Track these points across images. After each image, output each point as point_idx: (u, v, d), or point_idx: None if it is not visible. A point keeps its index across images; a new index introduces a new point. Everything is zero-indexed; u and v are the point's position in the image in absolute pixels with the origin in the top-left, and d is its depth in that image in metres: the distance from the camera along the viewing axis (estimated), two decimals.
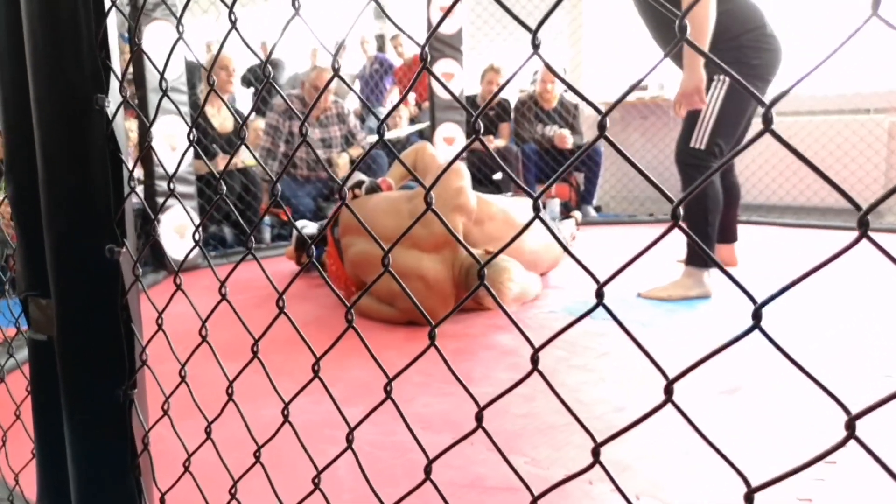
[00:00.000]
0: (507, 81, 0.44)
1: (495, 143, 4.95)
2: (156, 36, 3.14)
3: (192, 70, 3.98)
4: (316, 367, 0.57)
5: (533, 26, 0.40)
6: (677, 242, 2.64)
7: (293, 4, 0.53)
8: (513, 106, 5.06)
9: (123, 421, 0.78)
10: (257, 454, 0.68)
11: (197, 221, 3.12)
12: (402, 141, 5.19)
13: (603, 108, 0.39)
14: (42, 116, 0.75)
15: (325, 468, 0.61)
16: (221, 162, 3.93)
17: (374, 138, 4.99)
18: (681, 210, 0.37)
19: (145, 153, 3.21)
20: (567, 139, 4.70)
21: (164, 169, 0.77)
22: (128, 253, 0.76)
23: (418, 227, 2.28)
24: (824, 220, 4.33)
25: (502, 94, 5.25)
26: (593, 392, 1.69)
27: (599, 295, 0.40)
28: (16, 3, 0.75)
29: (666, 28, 2.55)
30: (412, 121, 5.58)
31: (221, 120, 4.01)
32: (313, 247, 0.55)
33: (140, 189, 3.30)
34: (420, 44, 0.45)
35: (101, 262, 0.75)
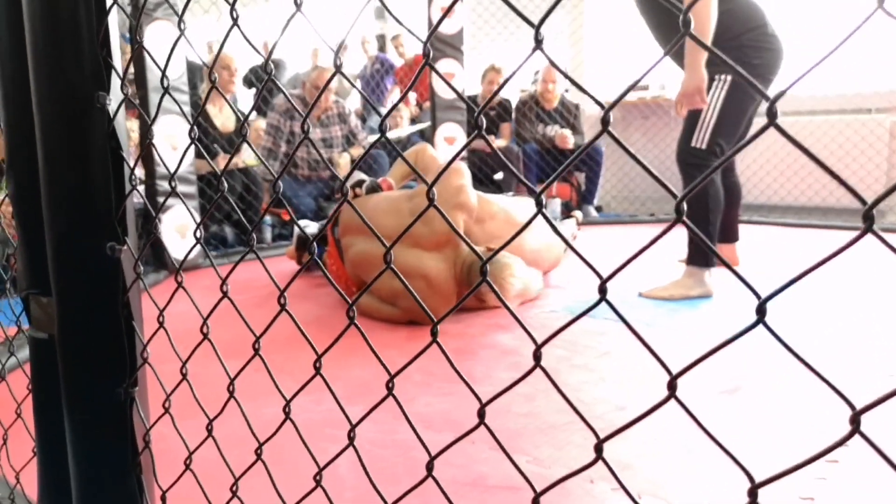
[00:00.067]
0: (511, 76, 0.44)
1: (496, 143, 4.95)
2: (157, 35, 3.15)
3: (193, 70, 3.98)
4: (317, 365, 0.57)
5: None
6: (678, 242, 2.64)
7: (295, 2, 0.53)
8: (514, 106, 5.06)
9: (124, 419, 0.78)
10: (259, 452, 0.68)
11: (198, 221, 3.09)
12: (402, 141, 5.19)
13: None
14: (43, 114, 0.75)
15: (326, 465, 0.61)
16: (222, 161, 3.93)
17: (375, 138, 4.99)
18: (684, 206, 0.37)
19: (146, 153, 3.21)
20: (568, 139, 4.70)
21: (166, 167, 0.77)
22: (129, 251, 0.76)
23: (419, 226, 2.28)
24: (825, 219, 4.33)
25: (503, 94, 5.25)
26: (594, 391, 1.69)
27: (602, 291, 0.40)
28: (17, 2, 0.75)
29: (667, 27, 2.55)
30: (413, 121, 5.58)
31: (223, 119, 4.01)
32: (315, 245, 0.54)
33: (141, 189, 3.30)
34: (422, 40, 0.45)
35: (102, 260, 0.75)
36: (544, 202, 0.42)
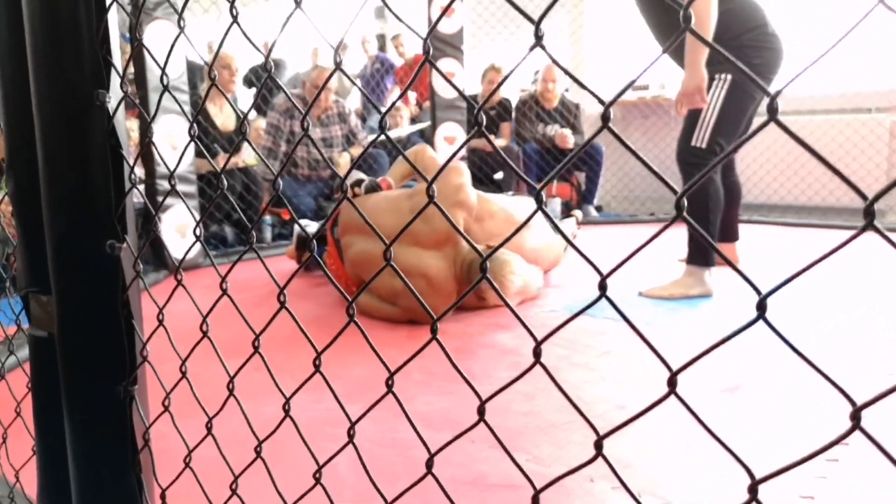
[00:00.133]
0: (511, 72, 0.43)
1: (496, 142, 4.95)
2: (157, 35, 3.14)
3: (193, 70, 3.98)
4: (317, 362, 0.57)
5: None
6: (678, 242, 2.64)
7: (295, 0, 0.52)
8: (514, 105, 5.06)
9: (124, 417, 0.78)
10: (258, 449, 0.68)
11: (199, 224, 3.09)
12: (402, 141, 5.19)
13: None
14: (43, 113, 0.75)
15: (325, 462, 0.61)
16: (223, 161, 3.93)
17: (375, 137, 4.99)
18: (684, 201, 0.37)
19: (146, 152, 3.21)
20: (568, 139, 4.70)
21: (166, 165, 0.77)
22: (128, 249, 0.76)
23: (419, 224, 2.28)
24: (825, 219, 4.33)
25: (503, 94, 5.25)
26: (594, 390, 1.69)
27: (602, 287, 0.40)
28: (16, 2, 0.75)
29: (667, 27, 2.55)
30: (413, 120, 5.58)
31: (223, 119, 4.01)
32: (314, 243, 0.54)
33: (141, 188, 3.30)
34: (422, 37, 0.45)
35: (102, 258, 0.75)
36: (544, 199, 0.42)
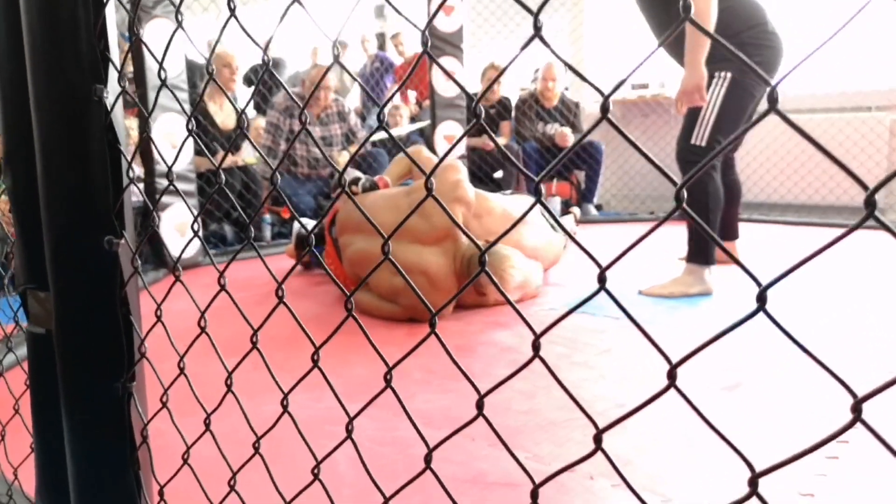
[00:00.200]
0: (511, 62, 0.43)
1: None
2: (157, 33, 3.14)
3: (192, 69, 3.97)
4: (315, 357, 0.56)
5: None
6: (678, 240, 2.64)
7: None
8: (514, 104, 5.06)
9: (122, 414, 0.78)
10: (256, 445, 0.68)
11: (198, 220, 3.09)
12: (402, 139, 5.19)
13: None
14: (41, 109, 0.75)
15: (324, 458, 0.61)
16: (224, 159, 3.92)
17: (375, 137, 4.99)
18: (684, 193, 0.36)
19: (145, 151, 3.21)
20: (568, 137, 4.69)
21: (164, 161, 0.76)
22: (126, 245, 0.76)
23: (419, 221, 2.28)
24: (825, 217, 4.32)
25: (503, 93, 5.24)
26: (594, 389, 1.69)
27: (602, 280, 0.40)
28: (14, 2, 0.75)
29: (667, 25, 2.55)
30: (413, 119, 5.57)
31: (223, 117, 4.00)
32: (313, 237, 0.54)
33: (141, 187, 3.30)
34: (420, 28, 0.45)
35: (100, 254, 0.75)
36: (543, 192, 0.41)
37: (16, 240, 0.86)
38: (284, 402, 0.62)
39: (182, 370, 0.72)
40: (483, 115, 0.42)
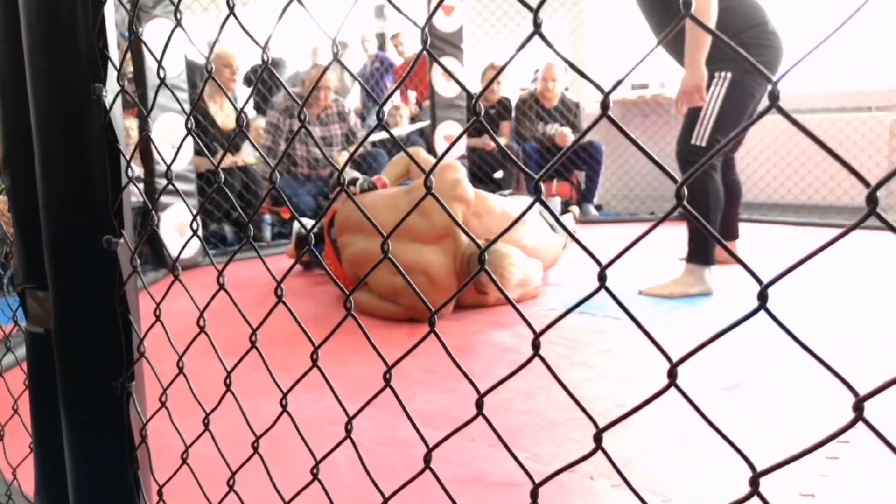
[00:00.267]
0: (511, 59, 0.43)
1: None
2: (157, 33, 3.14)
3: (192, 69, 3.97)
4: (314, 356, 0.56)
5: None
6: (678, 241, 2.63)
7: None
8: (514, 104, 5.06)
9: (121, 413, 0.77)
10: (255, 445, 0.68)
11: (198, 219, 3.08)
12: (402, 139, 5.19)
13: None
14: (39, 107, 0.75)
15: (323, 458, 0.61)
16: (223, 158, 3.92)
17: (375, 137, 4.99)
18: (684, 191, 0.36)
19: (145, 151, 3.21)
20: (568, 137, 4.69)
21: (163, 160, 0.76)
22: (125, 244, 0.76)
23: (419, 220, 2.28)
24: (825, 217, 4.32)
25: (503, 93, 5.24)
26: (594, 389, 1.69)
27: (602, 278, 0.39)
28: (13, 2, 0.74)
29: (667, 25, 2.54)
30: (413, 120, 5.57)
31: (223, 117, 4.00)
32: (312, 236, 0.54)
33: (141, 187, 3.30)
34: (419, 26, 0.45)
35: (99, 253, 0.75)
36: (542, 190, 0.41)
37: (14, 238, 0.85)
38: (283, 402, 0.62)
39: (181, 370, 0.72)
40: (483, 114, 0.42)
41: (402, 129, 5.23)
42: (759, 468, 0.37)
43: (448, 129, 4.48)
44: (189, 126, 0.64)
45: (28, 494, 1.11)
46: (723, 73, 2.41)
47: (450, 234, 2.32)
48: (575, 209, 3.72)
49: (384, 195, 2.60)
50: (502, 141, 4.99)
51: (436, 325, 0.48)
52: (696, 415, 0.39)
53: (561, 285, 2.81)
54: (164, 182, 3.35)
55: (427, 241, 2.30)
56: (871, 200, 0.30)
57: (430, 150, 4.48)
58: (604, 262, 0.40)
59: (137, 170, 3.31)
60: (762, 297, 0.34)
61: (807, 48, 0.33)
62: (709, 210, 2.51)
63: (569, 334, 2.11)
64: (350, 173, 3.28)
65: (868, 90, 4.50)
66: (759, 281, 0.34)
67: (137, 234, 0.81)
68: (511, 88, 5.65)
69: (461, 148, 4.61)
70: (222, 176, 0.62)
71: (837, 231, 0.31)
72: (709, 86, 2.40)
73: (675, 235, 2.58)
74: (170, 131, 3.22)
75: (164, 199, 3.26)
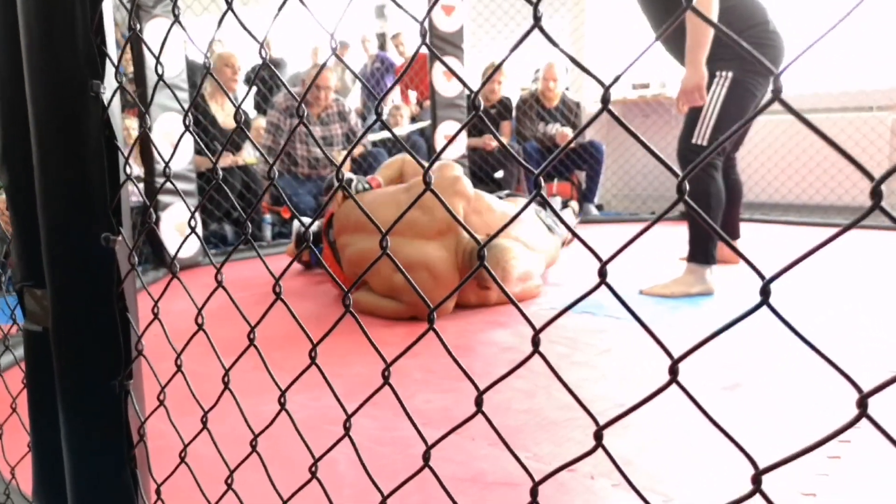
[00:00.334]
0: (511, 52, 0.43)
1: (496, 141, 4.94)
2: (157, 32, 3.14)
3: (193, 68, 3.97)
4: (313, 354, 0.56)
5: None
6: (679, 240, 2.63)
7: None
8: (514, 104, 5.05)
9: (119, 412, 0.77)
10: (253, 443, 0.67)
11: (198, 218, 3.09)
12: (402, 139, 5.18)
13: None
14: (37, 105, 0.74)
15: (321, 456, 0.60)
16: (224, 158, 3.92)
17: (375, 137, 4.99)
18: (686, 185, 0.36)
19: (145, 150, 3.21)
20: (569, 137, 4.69)
21: (162, 158, 0.76)
22: (123, 242, 0.75)
23: (420, 215, 2.28)
24: (826, 217, 4.32)
25: (504, 93, 5.24)
26: (595, 388, 1.68)
27: (602, 274, 0.39)
28: (11, 2, 0.74)
29: None
30: (413, 119, 5.57)
31: (224, 116, 4.00)
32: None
33: (141, 187, 3.29)
34: (418, 20, 0.44)
35: (97, 250, 0.74)
36: (542, 186, 0.41)
37: (12, 236, 0.85)
38: (282, 400, 0.61)
39: (179, 368, 0.72)
40: (482, 108, 0.42)
41: (403, 128, 5.23)
42: (761, 466, 0.36)
43: (449, 129, 4.47)
44: (187, 123, 0.63)
45: (27, 493, 1.10)
46: (724, 73, 2.40)
47: (452, 230, 2.32)
48: (574, 204, 3.72)
49: (384, 193, 2.60)
50: (503, 140, 5.00)
51: (435, 322, 0.48)
52: (697, 414, 0.38)
53: (561, 285, 2.81)
54: (163, 181, 3.34)
55: (429, 237, 2.30)
56: (876, 194, 0.30)
57: (431, 150, 4.48)
58: (604, 259, 0.40)
59: (137, 169, 3.31)
60: (765, 292, 0.33)
61: (807, 48, 0.33)
62: (710, 210, 2.50)
63: (569, 334, 2.10)
64: (345, 174, 3.28)
65: (869, 90, 4.49)
66: (761, 276, 0.33)
67: (136, 233, 0.81)
68: (512, 88, 5.65)
69: (462, 147, 4.60)
70: (220, 173, 0.62)
71: (838, 230, 0.30)
72: (710, 85, 2.39)
73: (676, 235, 2.58)
74: (170, 130, 3.22)
75: (164, 198, 3.25)
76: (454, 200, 2.43)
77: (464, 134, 4.50)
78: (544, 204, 0.40)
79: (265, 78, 5.13)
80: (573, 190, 4.95)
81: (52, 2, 0.71)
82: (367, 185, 2.79)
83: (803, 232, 3.90)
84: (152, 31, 3.13)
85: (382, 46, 6.75)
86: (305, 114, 0.56)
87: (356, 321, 0.55)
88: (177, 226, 3.31)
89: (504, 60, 0.43)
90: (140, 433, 0.78)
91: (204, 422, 0.71)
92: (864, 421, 0.32)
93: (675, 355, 0.38)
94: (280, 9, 0.53)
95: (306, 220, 3.57)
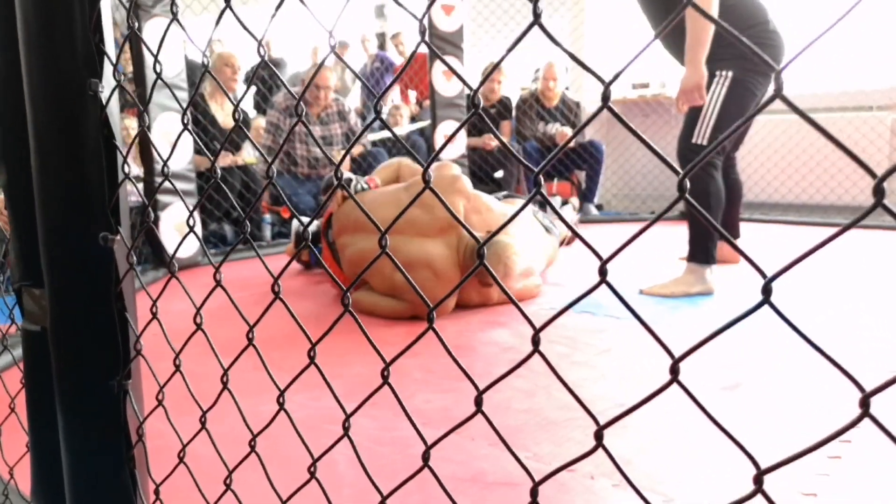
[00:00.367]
0: (511, 49, 0.42)
1: (496, 141, 4.94)
2: (156, 32, 3.13)
3: (192, 68, 3.96)
4: (312, 354, 0.56)
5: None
6: (679, 240, 2.63)
7: None
8: (514, 104, 5.05)
9: (118, 412, 0.77)
10: (252, 443, 0.67)
11: (197, 218, 3.09)
12: (402, 139, 5.18)
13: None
14: (35, 104, 0.74)
15: (320, 456, 0.60)
16: (223, 158, 3.92)
17: (375, 136, 4.99)
18: (687, 183, 0.35)
19: (144, 150, 3.20)
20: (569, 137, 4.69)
21: (160, 157, 0.76)
22: (122, 241, 0.75)
23: (421, 214, 2.28)
24: (826, 217, 4.31)
25: (504, 93, 5.24)
26: (595, 388, 1.68)
27: (602, 272, 0.39)
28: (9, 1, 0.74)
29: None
30: (413, 119, 5.57)
31: (224, 116, 3.99)
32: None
33: (140, 187, 3.29)
34: (417, 17, 0.44)
35: (95, 250, 0.74)
36: (542, 184, 0.41)
37: (10, 235, 0.85)
38: (281, 400, 0.61)
39: (178, 367, 0.71)
40: (481, 106, 0.41)
41: (402, 128, 5.23)
42: (762, 466, 0.36)
43: (449, 129, 4.47)
44: (185, 122, 0.63)
45: (25, 493, 1.10)
46: (724, 72, 2.40)
47: (453, 227, 2.33)
48: (574, 201, 3.72)
49: (383, 192, 2.60)
50: (503, 140, 4.99)
51: (435, 321, 0.47)
52: (697, 414, 0.38)
53: (560, 285, 2.81)
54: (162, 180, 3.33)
55: (430, 235, 2.31)
56: (879, 191, 0.29)
57: (431, 149, 4.47)
58: (604, 258, 0.40)
59: (136, 169, 3.31)
60: (766, 291, 0.33)
61: (807, 48, 0.33)
62: (710, 209, 2.50)
63: (569, 333, 2.10)
64: (345, 174, 3.28)
65: (869, 89, 4.49)
66: (762, 274, 0.33)
67: (135, 233, 0.81)
68: (512, 88, 5.65)
69: (461, 147, 4.60)
70: (219, 172, 0.62)
71: (839, 229, 0.30)
72: (710, 85, 2.39)
73: (676, 235, 2.58)
74: (169, 130, 3.22)
75: (163, 198, 3.25)
76: (454, 198, 2.43)
77: (463, 133, 4.50)
78: (543, 204, 0.40)
79: (265, 78, 5.13)
80: (573, 189, 4.95)
81: (50, 0, 0.71)
82: (365, 186, 2.78)
83: (803, 232, 3.90)
84: (151, 31, 3.13)
85: (382, 46, 6.75)
86: (305, 113, 0.56)
87: (355, 321, 0.55)
88: (176, 225, 3.30)
89: (504, 57, 0.43)
90: (139, 433, 0.77)
91: (203, 422, 0.71)
92: (864, 421, 0.32)
93: (676, 355, 0.38)
94: (277, 8, 0.53)
95: (305, 219, 3.57)
